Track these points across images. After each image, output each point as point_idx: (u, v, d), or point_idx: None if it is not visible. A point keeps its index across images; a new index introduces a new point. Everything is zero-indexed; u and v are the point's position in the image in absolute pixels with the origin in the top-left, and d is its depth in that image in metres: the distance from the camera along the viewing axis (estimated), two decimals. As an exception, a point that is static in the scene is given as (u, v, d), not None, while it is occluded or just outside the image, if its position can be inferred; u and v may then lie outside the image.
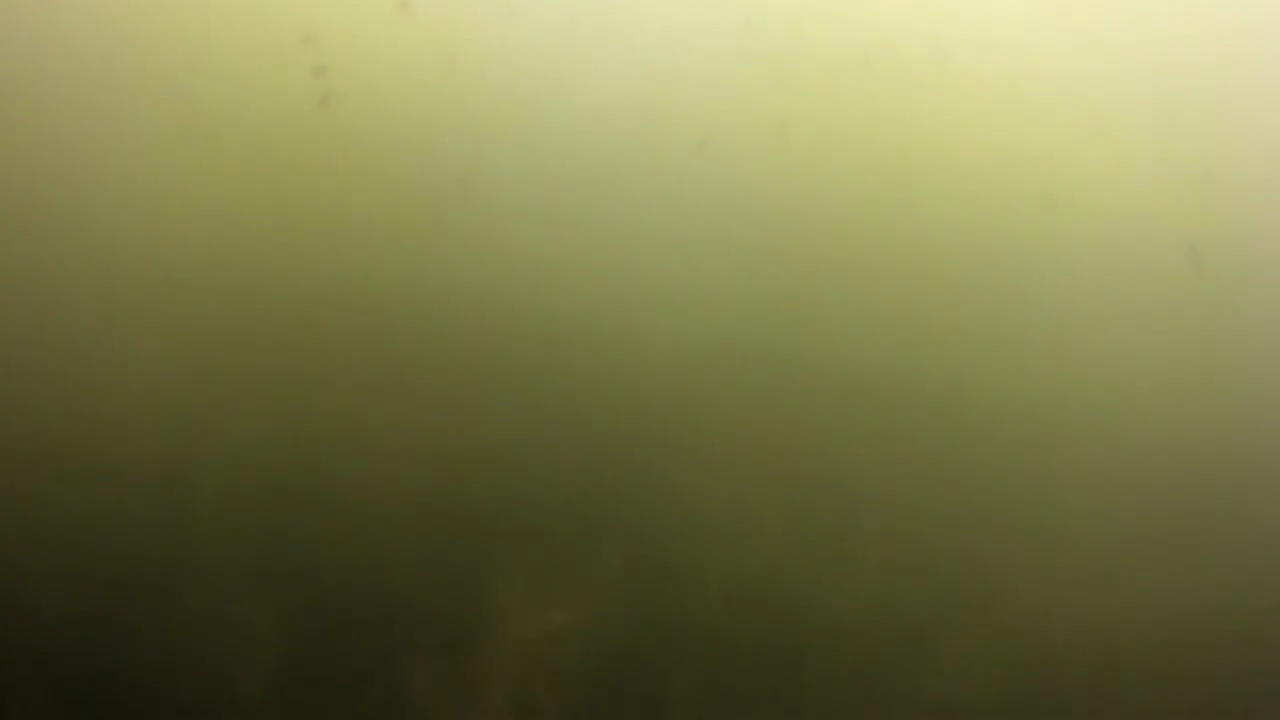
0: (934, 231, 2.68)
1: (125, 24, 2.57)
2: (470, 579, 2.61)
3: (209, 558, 2.56)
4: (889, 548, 2.64)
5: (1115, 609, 2.67)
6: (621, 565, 2.62)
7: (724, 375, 2.65)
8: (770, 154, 2.66)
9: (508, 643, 2.61)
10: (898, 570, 2.66)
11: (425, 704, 2.56)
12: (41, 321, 2.55)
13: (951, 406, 2.67)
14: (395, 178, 2.60)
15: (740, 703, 2.63)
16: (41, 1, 2.53)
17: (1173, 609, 2.67)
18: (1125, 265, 2.71)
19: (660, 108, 2.65)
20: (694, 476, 2.63)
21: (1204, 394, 2.72)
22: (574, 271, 2.63)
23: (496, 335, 2.61)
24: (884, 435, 2.66)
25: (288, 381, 2.59)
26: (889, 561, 2.64)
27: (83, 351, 2.55)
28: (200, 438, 2.56)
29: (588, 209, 2.65)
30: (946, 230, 2.68)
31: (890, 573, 2.64)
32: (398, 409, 2.60)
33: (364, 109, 2.59)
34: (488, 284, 2.62)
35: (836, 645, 2.65)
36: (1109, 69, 2.69)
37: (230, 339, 2.59)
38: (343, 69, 2.59)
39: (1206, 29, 2.70)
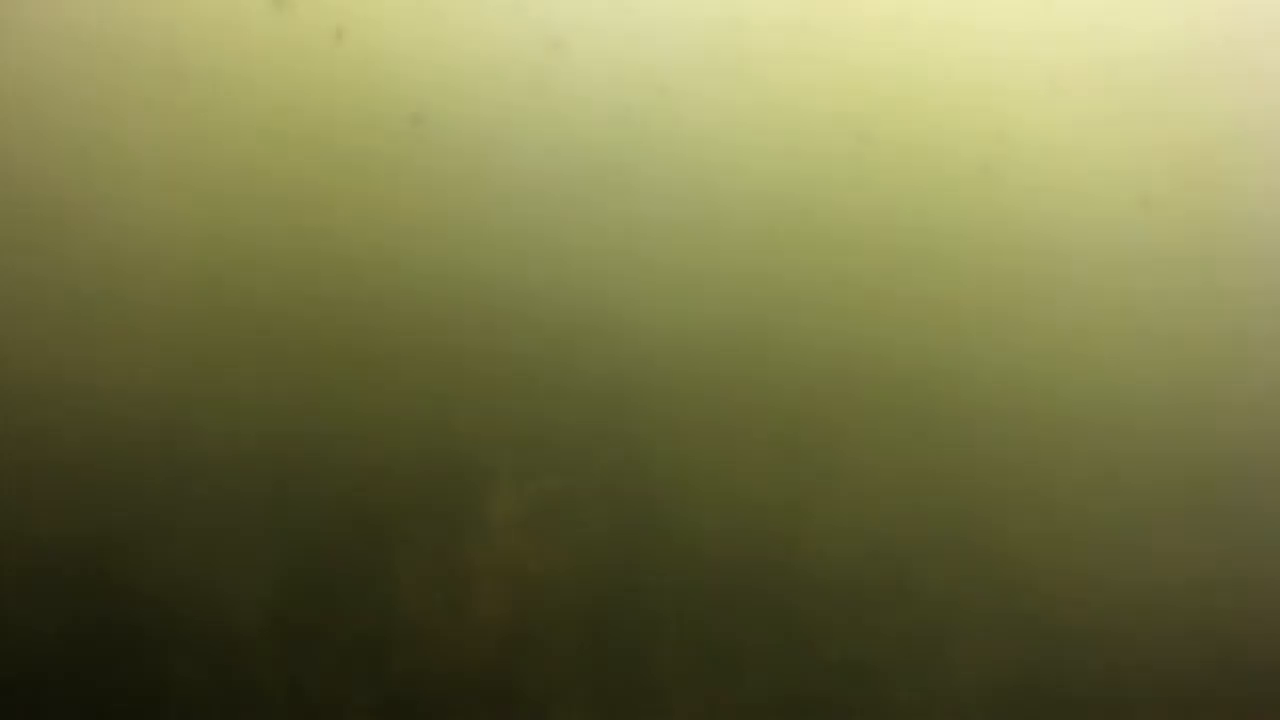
0: (898, 184, 2.71)
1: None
2: (463, 504, 2.60)
3: (203, 476, 2.55)
4: (881, 503, 2.65)
5: (1097, 552, 2.67)
6: (608, 518, 2.62)
7: (704, 328, 2.66)
8: (730, 98, 2.69)
9: (494, 587, 2.59)
10: (886, 501, 2.66)
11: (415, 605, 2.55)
12: (23, 294, 2.55)
13: (928, 365, 2.68)
14: (352, 115, 2.61)
15: (727, 642, 2.62)
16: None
17: (1161, 554, 2.68)
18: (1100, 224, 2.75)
19: (620, 43, 2.68)
20: (684, 425, 2.64)
21: (1184, 361, 2.74)
22: (532, 223, 2.64)
23: (466, 288, 2.62)
24: (867, 393, 2.67)
25: (273, 323, 2.59)
26: (879, 506, 2.64)
27: (66, 315, 2.55)
28: (191, 368, 2.55)
29: (551, 152, 2.67)
30: (910, 184, 2.70)
31: (879, 511, 2.64)
32: (374, 349, 2.60)
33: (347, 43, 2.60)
34: (447, 228, 2.63)
35: (826, 580, 2.64)
36: (1065, 19, 2.75)
37: (192, 263, 2.58)
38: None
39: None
